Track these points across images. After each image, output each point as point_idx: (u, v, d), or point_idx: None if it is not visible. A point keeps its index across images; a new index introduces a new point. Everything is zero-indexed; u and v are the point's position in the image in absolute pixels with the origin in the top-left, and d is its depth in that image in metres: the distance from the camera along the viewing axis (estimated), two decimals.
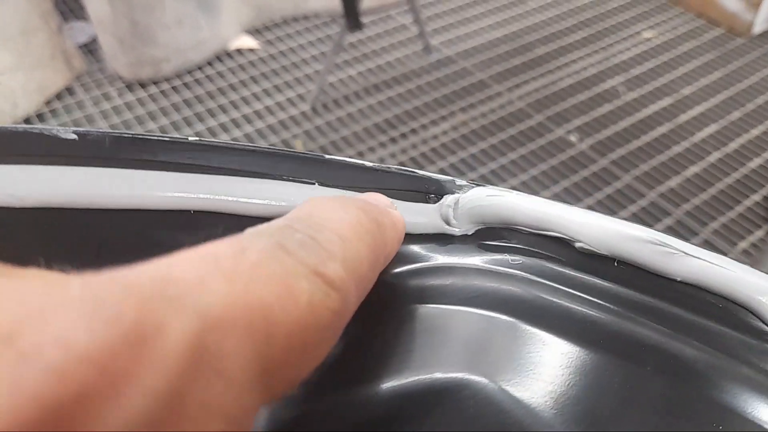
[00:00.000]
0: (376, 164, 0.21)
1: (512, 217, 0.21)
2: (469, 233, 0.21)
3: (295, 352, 0.12)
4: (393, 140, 1.31)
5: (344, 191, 0.21)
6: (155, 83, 1.39)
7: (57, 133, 0.17)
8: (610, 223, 0.20)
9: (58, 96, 1.34)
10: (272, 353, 0.11)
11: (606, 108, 1.42)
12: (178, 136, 0.17)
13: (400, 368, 0.18)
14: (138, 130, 1.28)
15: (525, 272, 0.20)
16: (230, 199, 0.19)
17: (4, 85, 1.23)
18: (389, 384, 0.17)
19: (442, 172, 1.23)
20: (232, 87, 1.41)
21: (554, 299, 0.20)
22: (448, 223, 0.21)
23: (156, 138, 0.18)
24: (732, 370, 0.18)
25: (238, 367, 0.10)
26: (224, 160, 0.19)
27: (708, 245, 1.14)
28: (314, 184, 0.20)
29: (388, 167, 0.21)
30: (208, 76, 1.43)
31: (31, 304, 0.09)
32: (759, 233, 1.17)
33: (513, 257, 0.21)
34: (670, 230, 1.17)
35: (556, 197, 1.21)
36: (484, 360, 0.18)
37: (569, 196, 1.21)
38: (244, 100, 1.38)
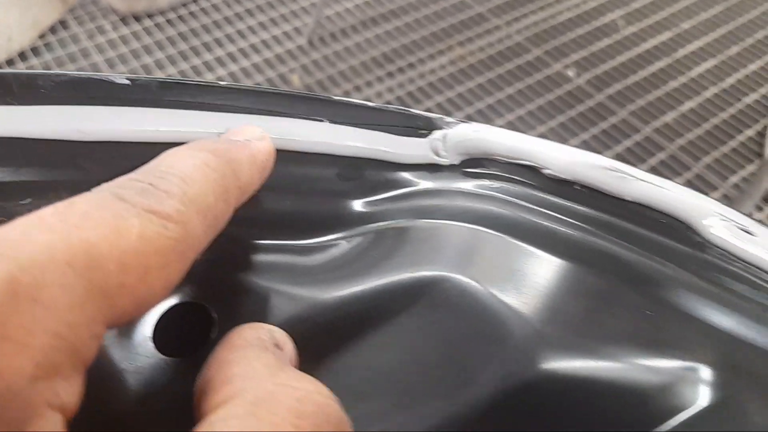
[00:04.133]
0: (377, 104, 0.24)
1: (492, 148, 0.25)
2: (456, 163, 0.25)
3: (135, 273, 0.14)
4: (390, 74, 1.30)
5: (350, 127, 0.24)
6: (150, 16, 1.38)
7: (113, 79, 0.20)
8: (572, 153, 0.24)
9: (52, 30, 1.33)
10: (104, 278, 0.13)
11: (604, 42, 1.41)
12: (211, 81, 0.20)
13: (395, 267, 0.22)
14: (134, 64, 1.28)
15: (502, 194, 0.25)
16: None
17: None
18: (384, 280, 0.22)
19: (439, 107, 1.24)
20: (228, 20, 1.39)
21: (526, 216, 0.24)
22: (437, 154, 0.25)
23: (194, 83, 0.21)
24: (669, 273, 0.23)
25: (59, 293, 0.12)
26: (249, 101, 0.22)
27: (700, 179, 1.16)
28: (324, 121, 0.23)
29: (386, 106, 0.25)
30: (203, 9, 1.41)
31: None
32: (750, 168, 1.19)
33: (492, 182, 0.25)
34: (663, 165, 1.19)
35: (552, 132, 1.22)
36: (465, 262, 0.22)
37: (565, 131, 1.23)
38: (240, 33, 1.36)
